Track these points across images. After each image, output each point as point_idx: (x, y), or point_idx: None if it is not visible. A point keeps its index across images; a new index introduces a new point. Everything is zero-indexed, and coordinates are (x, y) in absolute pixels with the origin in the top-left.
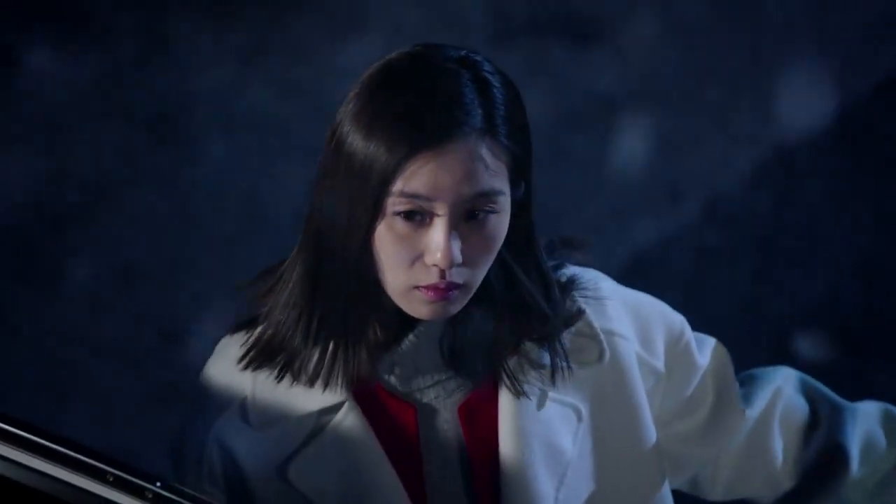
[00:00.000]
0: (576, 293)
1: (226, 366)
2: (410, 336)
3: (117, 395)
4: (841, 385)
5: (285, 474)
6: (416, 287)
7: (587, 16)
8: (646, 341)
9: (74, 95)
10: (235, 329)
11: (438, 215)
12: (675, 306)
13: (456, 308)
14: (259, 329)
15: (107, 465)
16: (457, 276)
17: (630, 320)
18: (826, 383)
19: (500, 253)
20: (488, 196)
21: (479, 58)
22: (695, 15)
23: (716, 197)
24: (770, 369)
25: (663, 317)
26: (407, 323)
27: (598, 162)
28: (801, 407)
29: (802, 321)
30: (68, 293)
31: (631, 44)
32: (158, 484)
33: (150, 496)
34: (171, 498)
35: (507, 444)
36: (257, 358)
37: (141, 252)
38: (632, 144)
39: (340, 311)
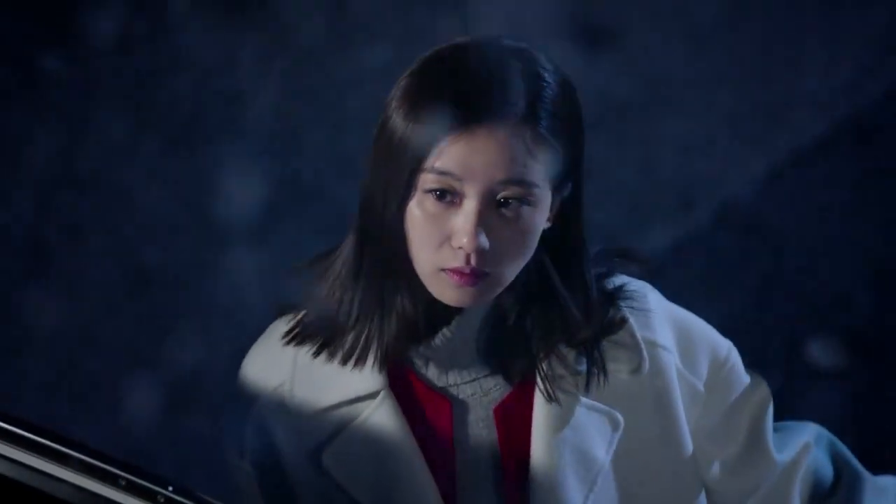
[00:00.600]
0: (621, 302)
1: (271, 347)
2: (445, 330)
3: (130, 399)
4: (852, 390)
5: (319, 460)
6: (443, 270)
7: (600, 21)
8: (688, 359)
9: (88, 99)
10: (284, 311)
11: (468, 197)
12: (687, 310)
13: (482, 298)
14: (308, 309)
15: (119, 469)
16: (483, 264)
17: (673, 335)
18: (837, 387)
19: (540, 254)
20: (520, 185)
21: (537, 53)
22: (707, 20)
23: (728, 201)
24: (801, 424)
25: (709, 340)
26: (443, 317)
27: (610, 167)
28: (825, 468)
29: (814, 325)
30: (82, 296)
31: (643, 49)
32: (170, 488)
33: (162, 500)
34: (182, 502)
35: (538, 448)
36: (300, 335)
37: (154, 255)
38: (644, 149)
39: (377, 292)
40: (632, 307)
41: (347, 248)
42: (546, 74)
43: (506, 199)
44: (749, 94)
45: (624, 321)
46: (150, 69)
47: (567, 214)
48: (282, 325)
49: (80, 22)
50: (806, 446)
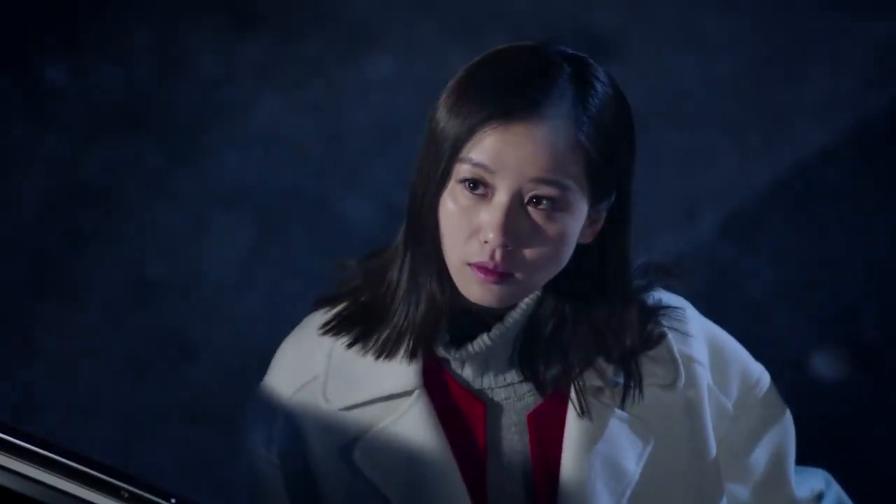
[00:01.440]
0: (660, 317)
1: (306, 339)
2: (485, 337)
3: (133, 411)
4: (856, 400)
5: (350, 455)
6: (469, 264)
7: (602, 32)
8: (719, 377)
9: (92, 110)
10: (321, 304)
11: (499, 191)
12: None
13: (506, 299)
14: (349, 301)
15: (122, 481)
16: (508, 263)
17: (708, 351)
18: (841, 399)
19: (582, 267)
20: (551, 185)
21: (594, 64)
22: (710, 31)
23: (730, 212)
24: (812, 470)
25: (742, 361)
26: (483, 323)
27: None
28: None
29: (817, 337)
30: (85, 308)
31: (646, 60)
32: (174, 500)
33: None
34: None
35: (569, 458)
36: (338, 326)
37: (158, 267)
38: (646, 160)
39: (415, 281)
40: (671, 323)
41: (397, 239)
42: (598, 85)
43: (537, 198)
44: (751, 105)
45: (662, 336)
46: (153, 80)
47: (611, 231)
48: (318, 317)
49: (83, 33)
50: (820, 494)
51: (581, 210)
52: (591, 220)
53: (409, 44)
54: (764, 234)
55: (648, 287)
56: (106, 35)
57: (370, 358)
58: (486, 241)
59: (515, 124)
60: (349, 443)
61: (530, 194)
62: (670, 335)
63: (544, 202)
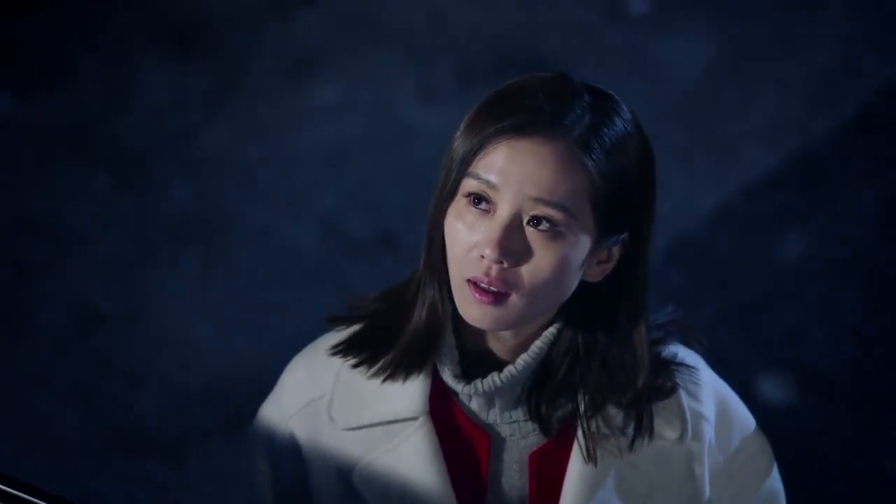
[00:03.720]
0: (673, 371)
1: (316, 358)
2: (496, 377)
3: (79, 441)
4: (803, 427)
5: (350, 477)
6: (468, 280)
7: (550, 60)
8: (721, 435)
9: (38, 141)
10: (335, 322)
11: (500, 208)
12: None
13: (502, 323)
14: (365, 323)
15: None
16: (504, 281)
17: (715, 409)
18: (788, 422)
19: (597, 307)
20: (552, 207)
21: (620, 102)
22: (658, 59)
23: (678, 239)
24: None
25: (745, 421)
26: (496, 360)
27: None
28: None
29: (764, 363)
30: (31, 337)
31: None
32: None
33: None
34: None
35: (567, 503)
36: (348, 348)
37: (104, 296)
38: None
39: (423, 303)
40: (683, 380)
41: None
42: (617, 119)
43: (537, 218)
44: (698, 131)
45: (673, 390)
46: (99, 109)
47: (625, 272)
48: (332, 337)
49: (28, 62)
50: None
51: (582, 240)
52: (598, 257)
53: (355, 71)
54: (710, 258)
55: (664, 340)
56: (51, 63)
57: (378, 381)
58: (482, 256)
59: (523, 141)
60: (350, 464)
61: (531, 214)
62: (681, 389)
63: (544, 223)
